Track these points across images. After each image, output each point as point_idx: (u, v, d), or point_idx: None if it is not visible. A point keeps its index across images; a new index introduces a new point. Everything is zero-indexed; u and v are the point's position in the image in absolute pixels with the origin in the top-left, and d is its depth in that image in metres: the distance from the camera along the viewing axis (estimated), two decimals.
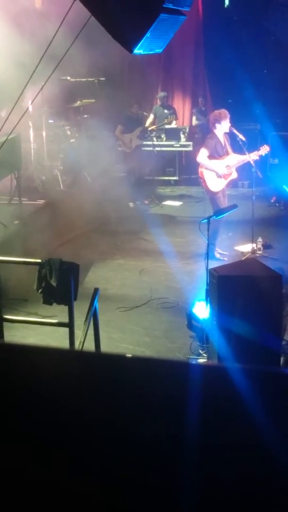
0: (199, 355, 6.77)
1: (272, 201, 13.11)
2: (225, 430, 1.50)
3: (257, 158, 9.82)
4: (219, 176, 9.64)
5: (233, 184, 10.20)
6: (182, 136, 15.16)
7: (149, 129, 14.56)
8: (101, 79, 12.82)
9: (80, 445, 1.51)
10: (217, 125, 9.61)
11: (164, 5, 5.02)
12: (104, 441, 1.51)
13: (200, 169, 9.75)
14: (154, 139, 14.45)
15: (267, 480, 1.43)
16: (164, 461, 1.47)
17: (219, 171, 9.62)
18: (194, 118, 15.73)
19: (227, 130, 9.66)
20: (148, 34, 5.05)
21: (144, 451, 1.48)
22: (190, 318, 7.21)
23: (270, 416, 1.48)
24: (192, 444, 1.46)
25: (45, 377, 1.63)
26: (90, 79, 12.81)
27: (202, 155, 9.60)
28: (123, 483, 1.45)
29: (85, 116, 13.07)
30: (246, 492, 1.42)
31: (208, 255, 7.00)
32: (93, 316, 5.71)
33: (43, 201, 10.49)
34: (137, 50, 5.20)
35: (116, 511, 1.41)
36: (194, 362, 5.63)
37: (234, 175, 9.81)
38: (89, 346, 5.82)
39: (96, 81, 12.74)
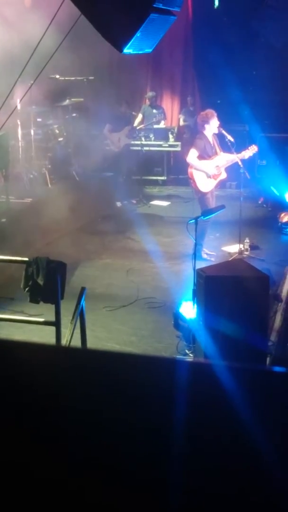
0: (185, 354, 6.77)
1: (259, 202, 13.15)
2: (210, 425, 1.51)
3: (251, 155, 9.86)
4: (208, 176, 9.66)
5: (221, 185, 10.21)
6: (170, 136, 15.16)
7: (138, 128, 14.56)
8: (90, 78, 12.80)
9: (66, 438, 1.52)
10: (206, 126, 9.63)
11: (154, 5, 5.02)
12: (90, 434, 1.51)
13: (189, 170, 9.76)
14: (143, 138, 14.45)
15: (251, 474, 1.44)
16: (150, 454, 1.47)
17: (209, 171, 9.63)
18: (181, 119, 15.73)
19: (216, 131, 9.68)
20: (138, 34, 5.05)
21: (130, 444, 1.49)
22: (177, 318, 7.21)
23: (254, 412, 1.49)
24: (178, 438, 1.47)
25: (31, 372, 1.63)
26: (79, 78, 12.78)
27: (192, 156, 9.61)
28: (111, 475, 1.45)
29: (74, 115, 13.04)
30: (232, 486, 1.43)
31: (196, 255, 7.01)
32: (79, 315, 5.71)
33: (30, 199, 10.46)
34: (127, 50, 5.20)
35: (104, 503, 1.42)
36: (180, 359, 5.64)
37: (224, 175, 9.84)
38: (76, 345, 5.81)
39: (85, 80, 12.72)
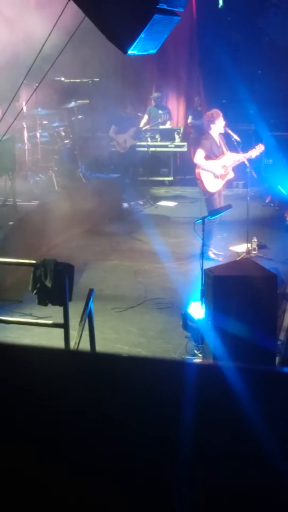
0: (194, 355, 6.77)
1: (266, 201, 13.13)
2: (220, 428, 1.50)
3: (257, 154, 9.85)
4: (216, 176, 9.66)
5: (228, 184, 10.20)
6: (176, 136, 15.16)
7: (143, 129, 14.57)
8: (95, 80, 12.81)
9: (76, 443, 1.51)
10: (212, 126, 9.63)
11: (158, 6, 5.02)
12: (100, 439, 1.51)
13: (197, 170, 9.76)
14: (149, 139, 14.46)
15: (261, 478, 1.44)
16: (159, 459, 1.47)
17: (216, 171, 9.63)
18: (190, 117, 15.73)
19: (222, 130, 9.68)
20: (142, 35, 5.06)
21: (139, 449, 1.48)
22: (185, 319, 7.21)
23: (264, 414, 1.48)
24: (187, 442, 1.47)
25: (41, 377, 1.63)
26: (84, 80, 12.79)
27: (199, 156, 9.61)
28: (119, 481, 1.45)
29: (80, 117, 13.06)
30: (240, 490, 1.42)
31: (203, 255, 7.00)
32: (88, 316, 5.71)
33: (37, 202, 10.48)
34: (131, 51, 5.20)
35: (112, 509, 1.41)
36: (189, 361, 5.63)
37: (231, 175, 9.83)
38: (84, 346, 5.81)
39: (90, 81, 12.72)
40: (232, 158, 9.73)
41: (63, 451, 1.51)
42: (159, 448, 1.48)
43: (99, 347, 6.26)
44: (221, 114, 9.64)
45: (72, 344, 5.52)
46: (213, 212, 8.40)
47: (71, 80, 12.62)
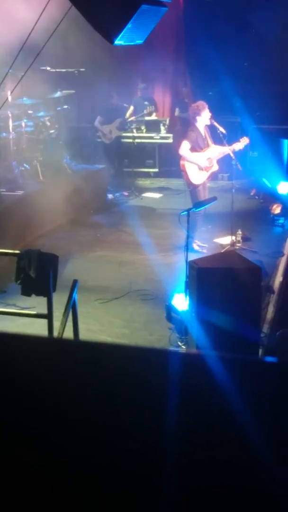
0: (178, 347, 6.78)
1: (251, 194, 13.15)
2: (203, 416, 1.51)
3: (242, 147, 9.85)
4: (200, 168, 9.66)
5: (213, 176, 10.20)
6: (162, 128, 15.14)
7: (129, 120, 14.53)
8: (81, 69, 12.75)
9: (60, 431, 1.51)
10: (197, 118, 9.62)
11: None
12: (84, 427, 1.51)
13: (182, 162, 9.75)
14: (134, 130, 14.43)
15: (244, 465, 1.44)
16: (143, 446, 1.47)
17: (201, 163, 9.63)
18: (177, 109, 15.72)
19: (208, 122, 9.67)
20: (129, 25, 5.04)
21: (124, 437, 1.48)
22: (169, 310, 7.22)
23: (247, 402, 1.49)
24: (171, 430, 1.47)
25: (23, 364, 1.63)
26: (70, 70, 12.73)
27: (184, 148, 9.60)
28: (103, 469, 1.45)
29: (65, 107, 13.01)
30: (223, 477, 1.43)
31: (188, 247, 7.01)
32: (72, 307, 5.70)
33: (22, 192, 10.43)
34: (118, 41, 5.18)
35: (97, 496, 1.42)
36: (172, 350, 5.63)
37: (215, 167, 9.83)
38: (68, 337, 5.80)
39: (76, 71, 12.67)
40: (217, 151, 9.73)
41: (47, 439, 1.51)
42: (143, 436, 1.48)
43: (83, 338, 6.26)
44: (206, 106, 9.63)
45: (56, 335, 5.51)
46: (198, 204, 8.40)
47: (57, 70, 12.56)
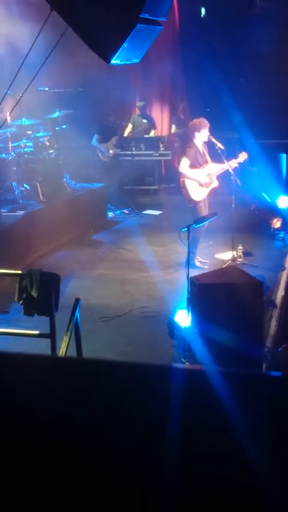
0: (181, 363, 6.76)
1: (251, 208, 13.16)
2: (205, 431, 1.51)
3: (237, 165, 9.87)
4: (200, 185, 9.68)
5: (212, 192, 10.21)
6: (161, 145, 15.19)
7: (126, 137, 14.58)
8: (79, 89, 12.82)
9: (64, 449, 1.51)
10: (196, 134, 9.65)
11: (141, 16, 5.04)
12: (88, 444, 1.51)
13: (182, 179, 9.77)
14: (133, 148, 14.48)
15: (245, 478, 1.44)
16: (146, 461, 1.47)
17: (201, 180, 9.66)
18: (173, 126, 15.79)
19: (206, 139, 9.69)
20: (125, 45, 5.07)
21: (126, 451, 1.48)
22: (172, 327, 7.20)
23: (249, 416, 1.49)
24: (174, 447, 1.47)
25: (27, 383, 1.63)
26: (68, 90, 12.80)
27: (184, 165, 9.63)
28: (104, 487, 1.45)
29: (64, 126, 13.06)
30: (225, 491, 1.43)
31: (189, 263, 7.01)
32: (74, 326, 5.69)
33: (22, 212, 10.45)
34: (114, 61, 5.22)
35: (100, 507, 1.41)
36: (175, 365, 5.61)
37: (215, 183, 9.85)
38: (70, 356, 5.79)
39: (74, 91, 12.74)
40: (216, 167, 9.76)
41: (51, 455, 1.51)
42: (146, 451, 1.48)
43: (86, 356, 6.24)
44: (208, 125, 9.62)
45: (59, 354, 5.50)
46: (199, 220, 8.41)
47: (55, 90, 12.63)
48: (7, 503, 1.45)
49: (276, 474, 1.42)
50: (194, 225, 7.75)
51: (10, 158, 11.08)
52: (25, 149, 11.55)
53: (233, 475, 1.45)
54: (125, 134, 14.86)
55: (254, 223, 12.29)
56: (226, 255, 10.03)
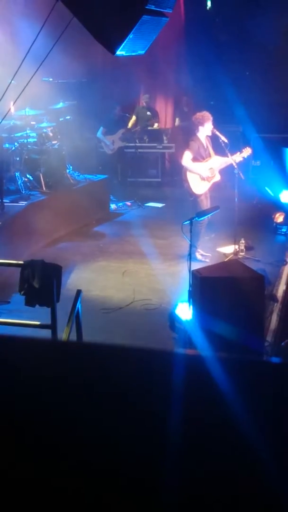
0: None
1: (254, 202, 13.14)
2: (206, 417, 1.51)
3: (241, 160, 9.85)
4: (202, 178, 9.66)
5: (215, 185, 10.19)
6: (164, 138, 15.17)
7: (132, 131, 14.56)
8: (83, 80, 12.79)
9: (63, 434, 1.51)
10: (200, 128, 9.63)
11: (147, 7, 5.03)
12: (88, 429, 1.51)
13: (184, 172, 9.76)
14: (137, 140, 14.45)
15: (247, 466, 1.44)
16: (146, 448, 1.47)
17: (203, 173, 9.64)
18: (177, 119, 15.76)
19: (209, 133, 9.67)
20: (130, 36, 5.06)
21: (126, 437, 1.48)
22: (173, 320, 7.21)
23: (249, 402, 1.49)
24: (174, 432, 1.47)
25: (27, 366, 1.63)
26: (72, 80, 12.77)
27: (186, 158, 9.61)
28: (106, 472, 1.45)
29: (68, 117, 13.04)
30: (226, 481, 1.43)
31: (191, 256, 7.00)
32: (76, 317, 5.70)
33: (25, 202, 10.45)
34: (119, 52, 5.21)
35: (100, 501, 1.41)
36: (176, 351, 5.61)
37: (218, 177, 9.83)
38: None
39: (78, 82, 12.71)
40: (219, 161, 9.73)
41: (49, 441, 1.51)
42: (147, 438, 1.48)
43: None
44: (211, 118, 9.60)
45: None
46: (201, 213, 8.40)
47: (60, 81, 12.60)
48: (7, 487, 1.46)
49: (277, 462, 1.43)
50: (196, 218, 7.74)
51: (14, 148, 11.07)
52: (29, 140, 11.53)
53: (235, 460, 1.45)
54: (129, 125, 14.84)
55: (256, 217, 12.26)
56: (228, 249, 10.02)
